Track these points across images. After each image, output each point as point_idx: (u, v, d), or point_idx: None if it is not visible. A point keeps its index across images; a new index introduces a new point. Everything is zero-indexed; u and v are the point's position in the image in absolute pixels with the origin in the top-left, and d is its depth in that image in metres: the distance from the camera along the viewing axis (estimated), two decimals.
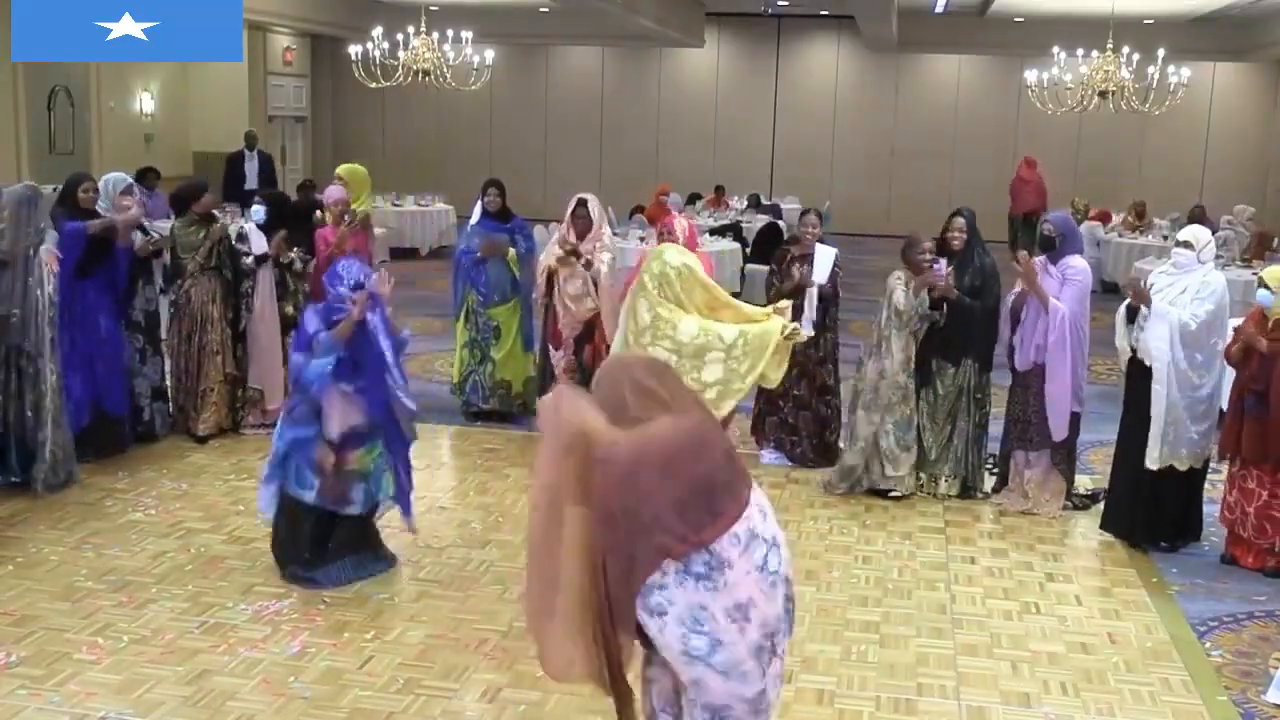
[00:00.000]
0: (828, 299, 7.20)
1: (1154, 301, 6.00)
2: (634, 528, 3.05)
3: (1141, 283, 6.17)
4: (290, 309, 7.66)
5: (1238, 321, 6.21)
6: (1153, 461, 6.02)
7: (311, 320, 5.29)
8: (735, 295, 12.77)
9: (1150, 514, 6.17)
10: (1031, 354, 6.52)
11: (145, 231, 7.33)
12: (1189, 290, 6.04)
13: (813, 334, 6.96)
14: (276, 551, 5.48)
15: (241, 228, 7.73)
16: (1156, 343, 5.94)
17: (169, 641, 4.76)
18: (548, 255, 7.70)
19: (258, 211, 7.61)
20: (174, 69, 18.23)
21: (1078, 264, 6.56)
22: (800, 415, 7.32)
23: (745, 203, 17.64)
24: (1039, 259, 6.63)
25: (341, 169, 8.96)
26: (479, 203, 8.21)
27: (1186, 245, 6.16)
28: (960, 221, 6.81)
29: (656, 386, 3.18)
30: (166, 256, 7.69)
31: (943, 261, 6.66)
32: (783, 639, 3.24)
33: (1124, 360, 6.31)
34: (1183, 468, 6.09)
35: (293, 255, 7.66)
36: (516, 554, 5.59)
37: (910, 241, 6.82)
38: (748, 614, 3.09)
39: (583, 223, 7.68)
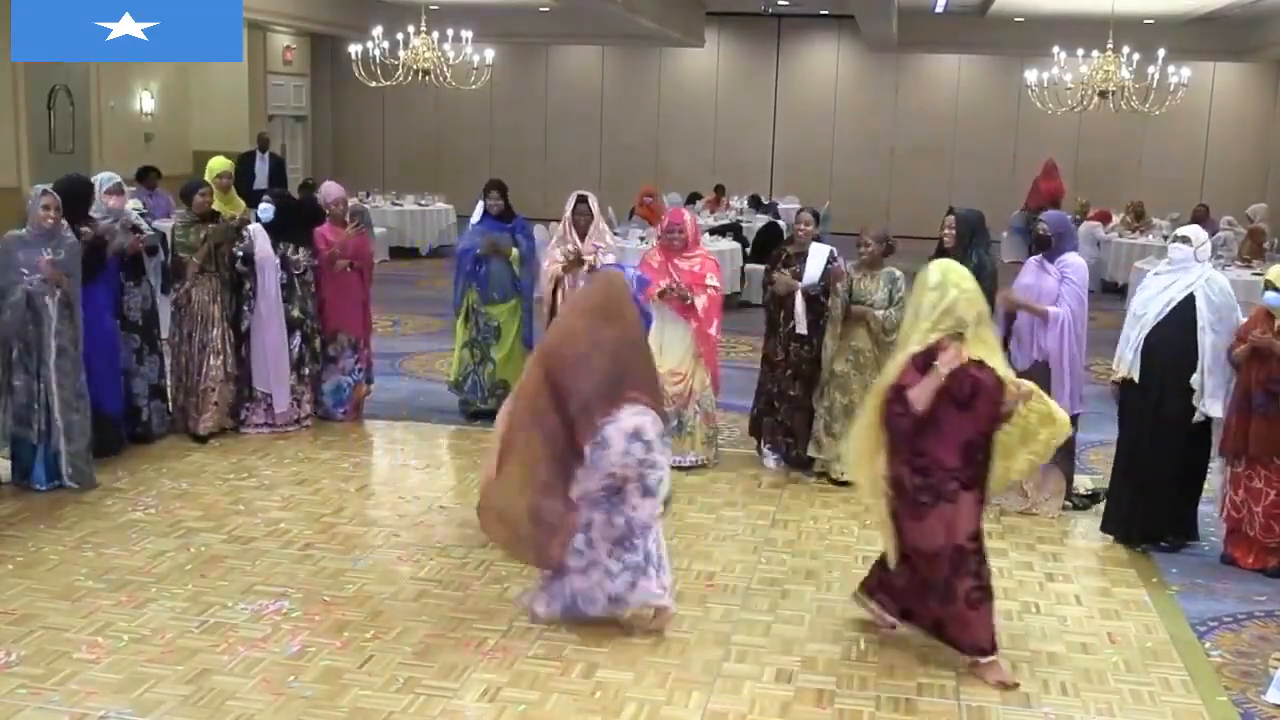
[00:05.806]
0: (818, 295, 7.19)
1: (1209, 361, 5.98)
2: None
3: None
4: (296, 312, 7.65)
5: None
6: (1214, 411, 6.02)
7: None
8: (735, 295, 13.04)
9: (1150, 514, 6.17)
10: (1034, 353, 6.51)
11: (139, 229, 7.31)
12: (1193, 285, 5.99)
13: (805, 332, 7.01)
14: None
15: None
16: (1215, 397, 5.97)
17: (169, 641, 4.76)
18: (551, 262, 7.70)
19: (265, 210, 7.60)
20: (174, 68, 18.21)
21: (1075, 261, 6.57)
22: (795, 416, 7.22)
23: (745, 203, 17.66)
24: (1034, 258, 6.67)
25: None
26: (480, 203, 8.21)
27: (1185, 240, 6.13)
28: (951, 219, 6.87)
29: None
30: (163, 255, 7.68)
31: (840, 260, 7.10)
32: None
33: (1123, 366, 6.20)
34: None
35: (301, 261, 7.64)
36: None
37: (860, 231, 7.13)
38: None
39: (584, 219, 7.70)
